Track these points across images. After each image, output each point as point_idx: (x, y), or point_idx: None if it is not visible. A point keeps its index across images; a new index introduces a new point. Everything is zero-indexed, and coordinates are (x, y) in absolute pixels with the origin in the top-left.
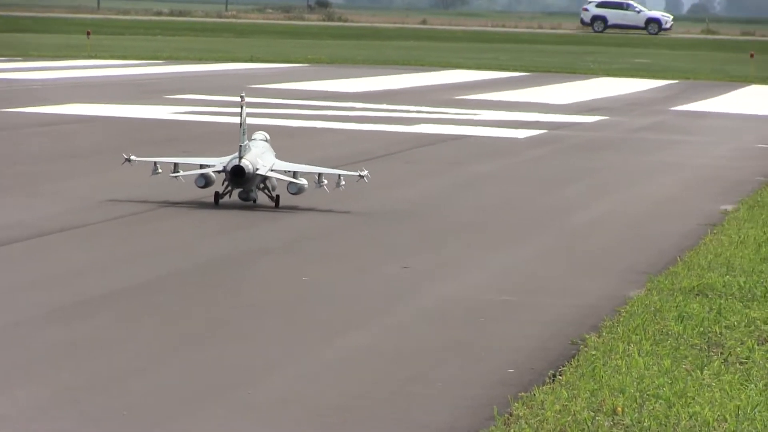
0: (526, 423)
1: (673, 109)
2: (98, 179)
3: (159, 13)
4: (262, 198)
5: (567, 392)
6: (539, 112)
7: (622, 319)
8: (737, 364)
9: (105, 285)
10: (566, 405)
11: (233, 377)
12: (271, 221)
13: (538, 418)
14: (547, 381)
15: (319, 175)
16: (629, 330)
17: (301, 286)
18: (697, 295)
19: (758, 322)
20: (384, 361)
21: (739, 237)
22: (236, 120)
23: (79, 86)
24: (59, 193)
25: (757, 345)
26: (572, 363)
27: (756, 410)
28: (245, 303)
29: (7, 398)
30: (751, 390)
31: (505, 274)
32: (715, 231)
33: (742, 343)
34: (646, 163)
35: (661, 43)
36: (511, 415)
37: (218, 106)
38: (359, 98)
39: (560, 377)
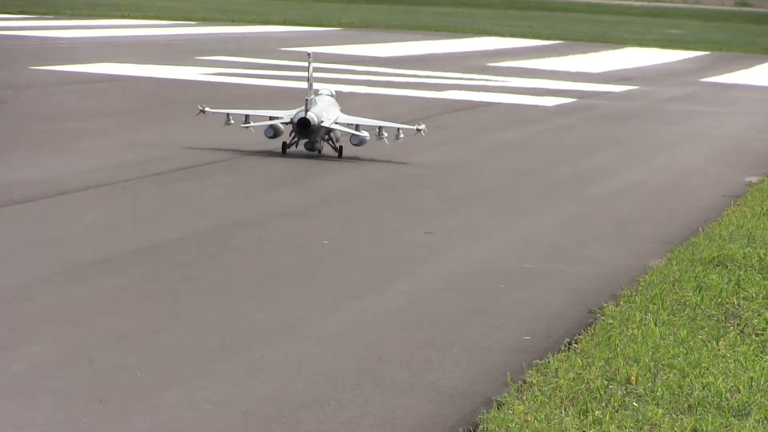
0: (539, 390)
1: (703, 80)
2: (125, 136)
3: None
4: (326, 149)
5: (582, 360)
6: (570, 80)
7: (640, 288)
8: (753, 336)
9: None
10: (580, 373)
11: (249, 338)
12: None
13: (551, 385)
14: (563, 349)
15: (380, 128)
16: (647, 299)
17: (323, 247)
18: (716, 266)
19: None
20: (402, 325)
21: (762, 209)
22: (263, 83)
23: (110, 45)
24: (89, 149)
25: None
26: (588, 331)
27: None
28: (267, 263)
29: (21, 355)
30: (765, 362)
31: (528, 241)
32: (738, 202)
33: (759, 315)
34: (674, 133)
35: (694, 14)
36: (524, 382)
37: (249, 68)
38: (389, 63)
39: (576, 345)
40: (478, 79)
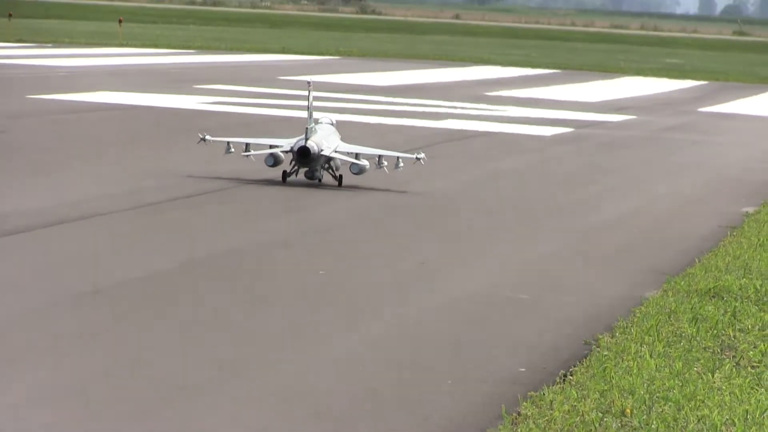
0: (533, 423)
1: (701, 109)
2: (123, 164)
3: (192, 2)
4: (327, 177)
5: (576, 392)
6: (567, 109)
7: (636, 319)
8: (749, 368)
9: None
10: (575, 405)
11: (242, 366)
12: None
13: (546, 418)
14: (558, 381)
15: (379, 157)
16: (642, 331)
17: (318, 277)
18: (712, 297)
19: None
20: (396, 355)
21: (759, 240)
22: (262, 111)
23: (108, 74)
24: (85, 179)
25: None
26: (584, 363)
27: (765, 414)
28: (261, 292)
29: (10, 386)
30: (761, 394)
31: (523, 270)
32: (734, 233)
33: (755, 347)
34: (671, 163)
35: (692, 43)
36: (519, 414)
37: (246, 97)
38: (387, 92)
39: (571, 377)
40: (476, 108)
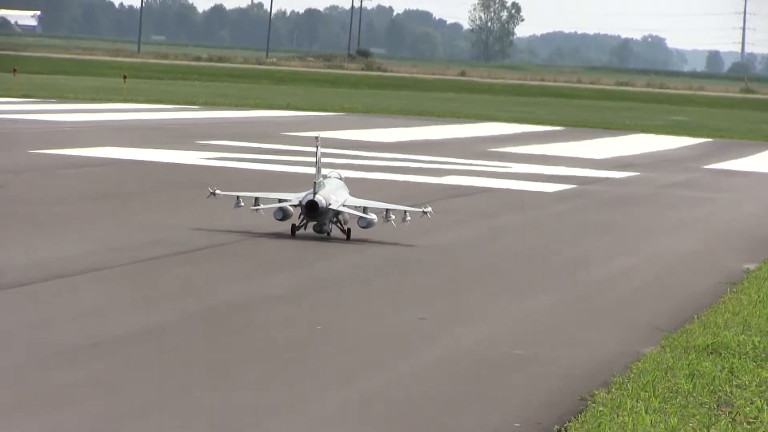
0: None
1: (706, 166)
2: (131, 219)
3: (198, 59)
4: (335, 231)
5: None
6: (571, 166)
7: (632, 375)
8: (745, 424)
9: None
10: None
11: (239, 421)
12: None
13: None
14: None
15: (387, 210)
16: (639, 387)
17: (316, 332)
18: (710, 353)
19: None
20: (392, 410)
21: (759, 296)
22: (265, 167)
23: (112, 129)
24: (85, 233)
25: (767, 405)
26: (579, 419)
27: None
28: (260, 345)
29: None
30: None
31: (521, 325)
32: (735, 289)
33: (751, 403)
34: (673, 219)
35: (699, 100)
36: None
37: (249, 153)
38: (391, 148)
39: None
40: (479, 164)
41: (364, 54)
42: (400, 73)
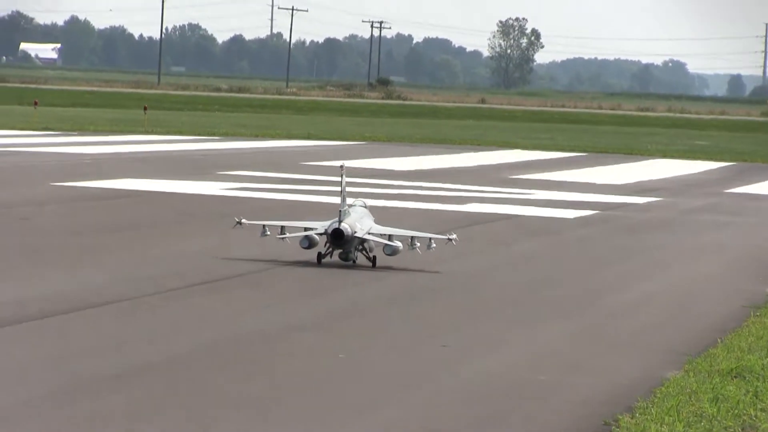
0: None
1: (728, 191)
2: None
3: (218, 89)
4: (360, 258)
5: None
6: (592, 192)
7: (656, 400)
8: None
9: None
10: None
11: None
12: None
13: None
14: None
15: (412, 238)
16: (663, 411)
17: (338, 361)
18: (734, 377)
19: None
20: None
21: None
22: (284, 197)
23: (132, 161)
24: (107, 264)
25: None
26: None
27: None
28: (283, 376)
29: None
30: None
31: (544, 352)
32: (758, 313)
33: None
34: (695, 243)
35: (720, 125)
36: None
37: (268, 182)
38: (412, 177)
39: None
40: (500, 191)
41: (384, 83)
42: (420, 101)
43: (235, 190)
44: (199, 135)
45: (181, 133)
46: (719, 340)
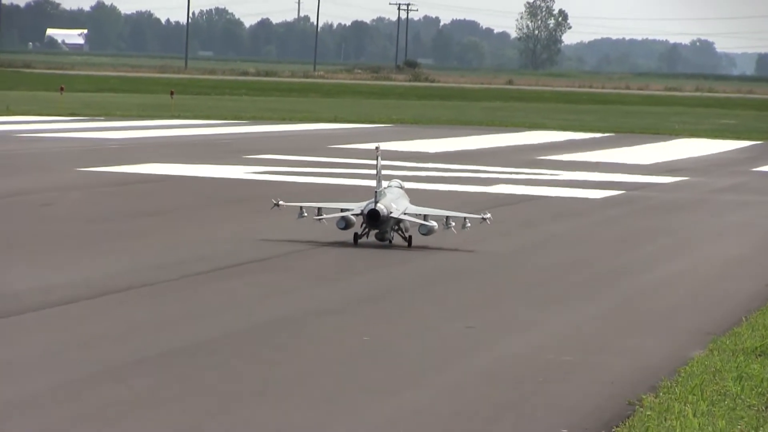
0: None
1: (755, 169)
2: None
3: (245, 73)
4: (396, 238)
5: None
6: (619, 172)
7: (680, 379)
8: None
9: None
10: None
11: None
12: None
13: None
14: None
15: (447, 218)
16: (687, 390)
17: (362, 344)
18: (759, 355)
19: None
20: (437, 420)
21: None
22: (310, 180)
23: (159, 146)
24: (132, 250)
25: None
26: (626, 423)
27: None
28: (308, 359)
29: None
30: None
31: (568, 333)
32: None
33: None
34: (721, 223)
35: (748, 104)
36: None
37: (295, 166)
38: (439, 158)
39: None
40: (527, 172)
41: (411, 65)
42: (447, 83)
43: (259, 173)
44: (225, 119)
45: (208, 117)
46: (744, 319)
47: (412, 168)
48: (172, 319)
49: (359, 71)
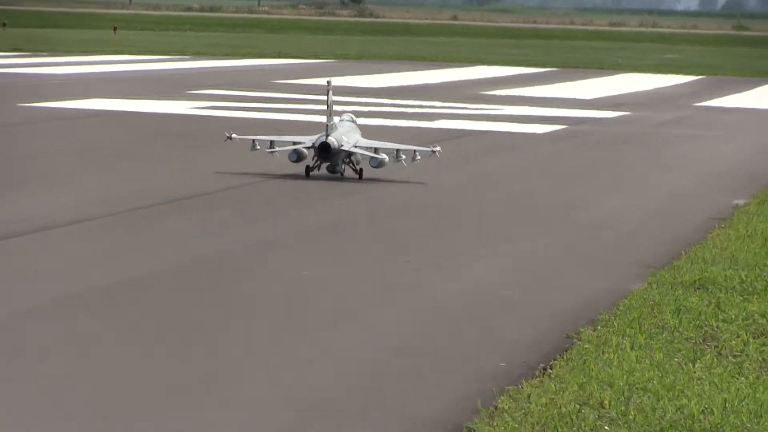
0: (510, 416)
1: (697, 104)
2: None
3: (189, 9)
4: (348, 171)
5: (555, 385)
6: (562, 107)
7: (619, 312)
8: (730, 357)
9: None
10: (553, 398)
11: (222, 370)
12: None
13: (523, 411)
14: (537, 374)
15: (397, 150)
16: (625, 324)
17: (302, 279)
18: (697, 288)
19: (756, 315)
20: (376, 354)
21: (747, 231)
22: (251, 115)
23: (101, 81)
24: (74, 186)
25: (753, 338)
26: (564, 356)
27: (744, 403)
28: (245, 294)
29: None
30: (741, 383)
31: (510, 268)
32: (723, 225)
33: (737, 337)
34: (665, 158)
35: (691, 39)
36: (496, 409)
37: (239, 101)
38: (383, 94)
39: (550, 371)
40: (471, 107)
41: (356, 1)
42: (392, 18)
43: (204, 109)
44: (169, 55)
45: (151, 53)
46: (683, 253)
47: (354, 104)
48: (113, 254)
49: (304, 7)
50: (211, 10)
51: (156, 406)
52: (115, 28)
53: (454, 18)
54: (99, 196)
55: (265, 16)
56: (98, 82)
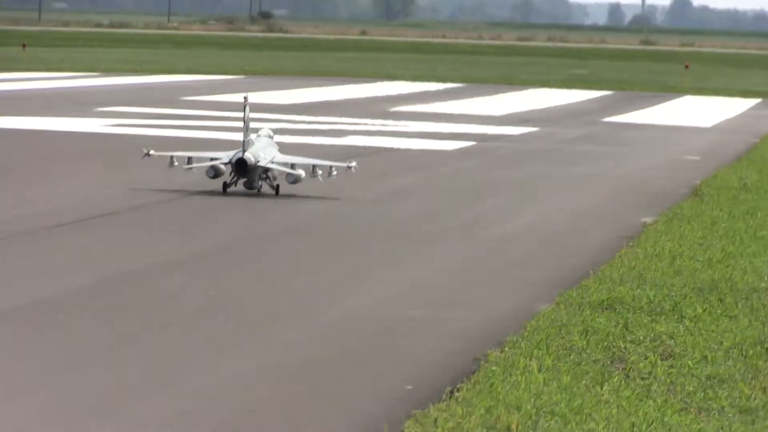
0: None
1: (605, 120)
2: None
3: (99, 25)
4: (265, 187)
5: (462, 409)
6: (471, 123)
7: (526, 333)
8: (638, 379)
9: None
10: (459, 422)
11: (125, 394)
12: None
13: None
14: (444, 398)
15: (314, 166)
16: (532, 345)
17: (207, 299)
18: (605, 309)
19: (664, 336)
20: (280, 376)
21: (655, 250)
22: (162, 133)
23: (9, 99)
24: None
25: (660, 360)
26: (471, 379)
27: (651, 426)
28: (153, 316)
29: None
30: (648, 406)
31: (416, 287)
32: (631, 243)
33: (645, 358)
34: (573, 174)
35: (600, 53)
36: None
37: (147, 119)
38: (290, 110)
39: (457, 394)
40: (379, 124)
41: (266, 16)
42: (301, 34)
43: (111, 126)
44: (78, 72)
45: (60, 70)
46: (592, 272)
47: (260, 120)
48: (15, 275)
49: (213, 22)
50: (121, 26)
51: None
52: (24, 45)
53: (363, 33)
54: (2, 217)
55: (174, 32)
56: (7, 100)
